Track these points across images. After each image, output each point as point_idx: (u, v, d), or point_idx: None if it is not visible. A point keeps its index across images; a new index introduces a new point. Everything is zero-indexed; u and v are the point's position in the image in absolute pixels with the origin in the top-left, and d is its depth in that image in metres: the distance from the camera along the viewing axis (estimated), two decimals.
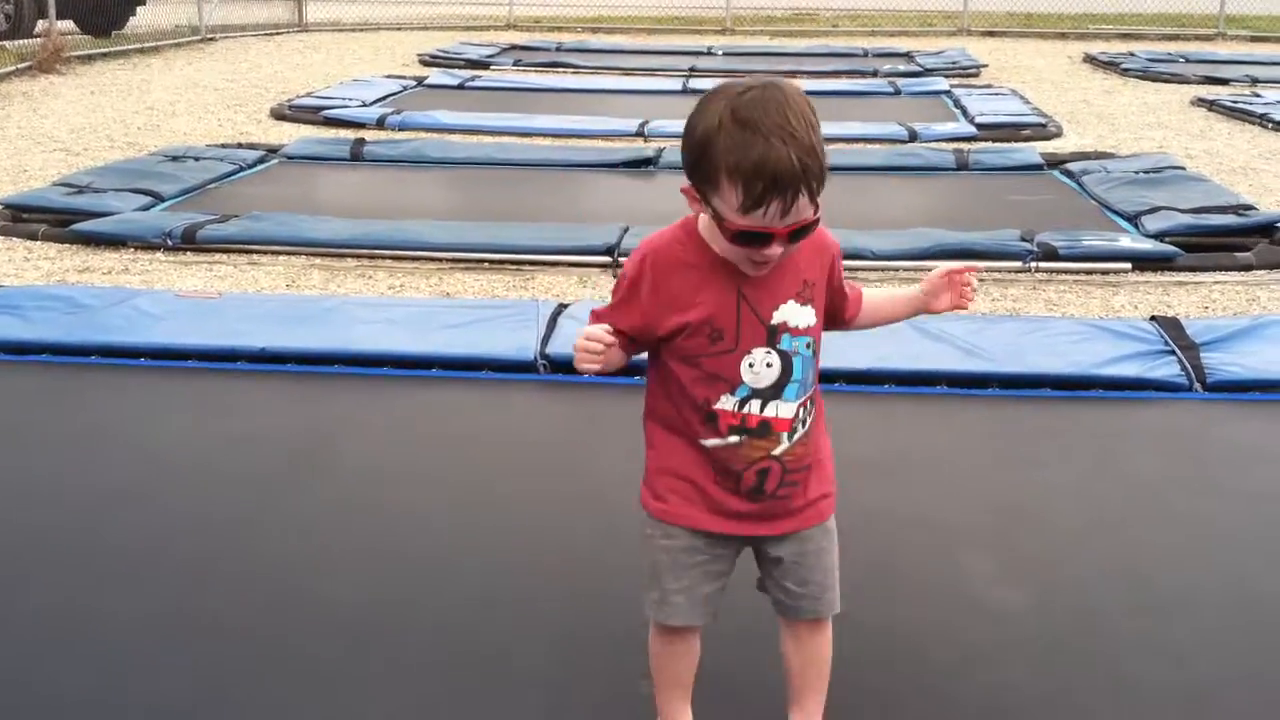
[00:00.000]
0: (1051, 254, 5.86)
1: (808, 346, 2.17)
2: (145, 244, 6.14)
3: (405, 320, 4.84)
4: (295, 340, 4.60)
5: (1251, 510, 3.49)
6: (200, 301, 5.04)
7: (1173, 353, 4.47)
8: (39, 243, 6.27)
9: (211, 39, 16.68)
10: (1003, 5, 20.50)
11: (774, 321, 2.14)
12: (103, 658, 2.71)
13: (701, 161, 2.02)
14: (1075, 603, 2.99)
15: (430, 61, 14.76)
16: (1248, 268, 5.92)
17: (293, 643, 2.79)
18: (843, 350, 4.33)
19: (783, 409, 2.16)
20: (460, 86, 12.50)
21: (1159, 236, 6.20)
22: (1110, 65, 14.55)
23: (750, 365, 2.14)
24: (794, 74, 13.82)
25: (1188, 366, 4.37)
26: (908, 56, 15.43)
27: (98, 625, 2.84)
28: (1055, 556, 3.22)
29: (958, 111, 10.92)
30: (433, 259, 6.01)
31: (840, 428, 3.91)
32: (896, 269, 5.83)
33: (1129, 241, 6.12)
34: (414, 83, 12.47)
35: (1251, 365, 4.38)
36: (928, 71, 13.91)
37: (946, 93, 12.09)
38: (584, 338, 2.14)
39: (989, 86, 12.66)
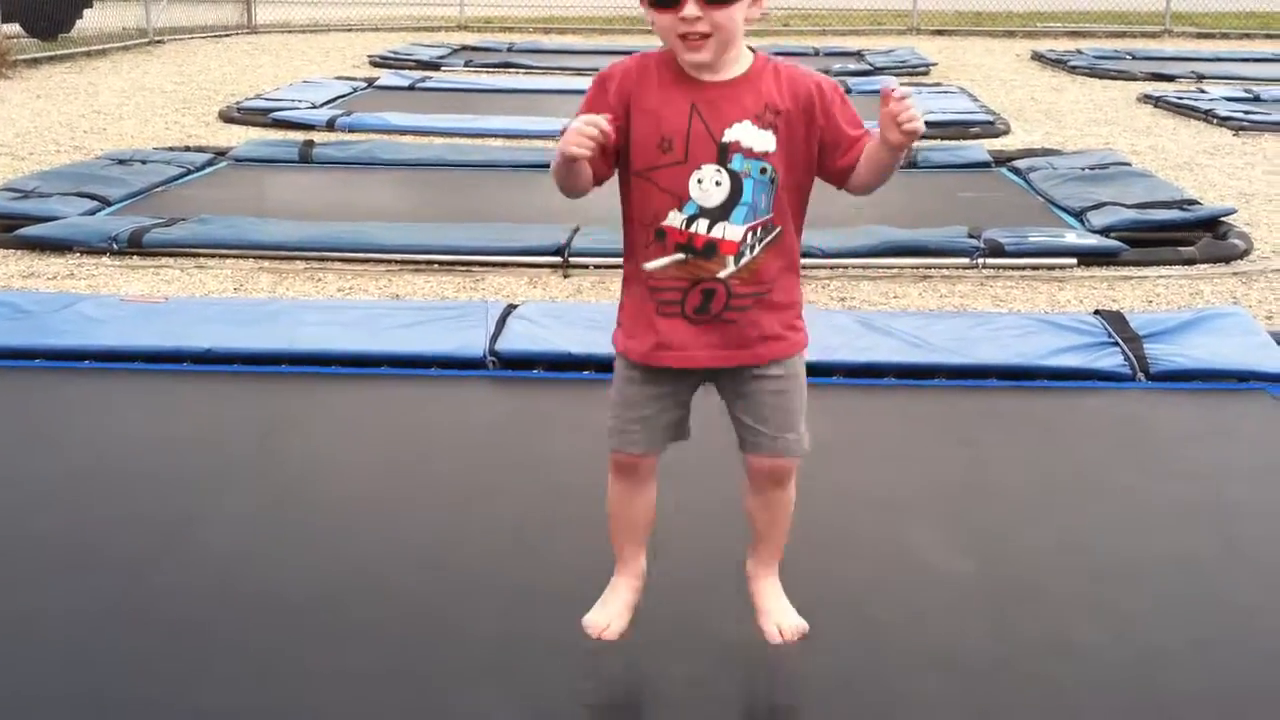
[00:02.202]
0: (998, 250, 5.91)
1: (763, 171, 2.18)
2: (91, 249, 6.08)
3: (354, 321, 4.83)
4: (242, 341, 4.57)
5: (1190, 487, 3.57)
6: (146, 306, 5.00)
7: (1116, 344, 4.53)
8: None
9: (159, 42, 16.54)
10: (952, 4, 20.62)
11: (725, 139, 2.16)
12: (44, 653, 2.70)
13: None
14: (1020, 573, 3.08)
15: (381, 63, 14.69)
16: (1191, 262, 5.99)
17: (236, 638, 2.78)
18: None
19: (730, 231, 2.17)
20: (411, 88, 12.45)
21: (1104, 232, 6.27)
22: (1058, 63, 14.66)
23: (699, 181, 2.16)
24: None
25: (1131, 357, 4.42)
26: (858, 55, 15.49)
27: (39, 622, 2.83)
28: (1001, 531, 3.30)
29: None
30: (382, 261, 5.99)
31: None
32: (846, 266, 5.86)
33: (1074, 237, 6.18)
34: (364, 84, 12.42)
35: (1194, 355, 4.44)
36: (877, 70, 13.96)
37: None
38: (581, 120, 2.14)
39: (938, 85, 12.74)
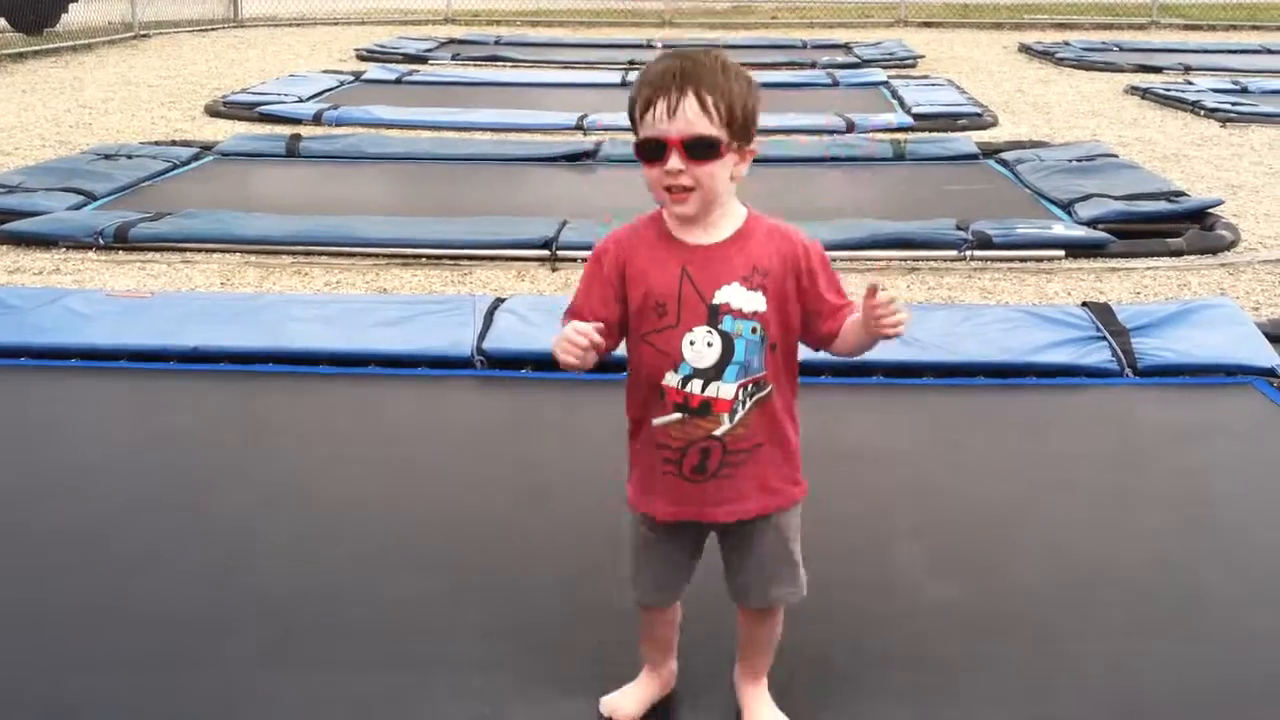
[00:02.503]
0: (986, 242, 5.91)
1: (754, 331, 2.20)
2: (77, 243, 6.06)
3: (340, 317, 4.81)
4: (228, 339, 4.56)
5: (1179, 486, 3.58)
6: (131, 301, 4.98)
7: (1104, 338, 4.52)
8: None
9: (145, 35, 16.48)
10: None
11: (715, 301, 2.19)
12: (32, 649, 2.70)
13: (629, 112, 2.18)
14: (1007, 575, 3.07)
15: (367, 56, 14.66)
16: (1178, 253, 6.00)
17: (223, 635, 2.78)
18: None
19: (723, 390, 2.21)
20: (398, 81, 12.42)
21: (1092, 224, 6.27)
22: (1045, 55, 14.67)
23: (691, 343, 2.20)
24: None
25: (1119, 352, 4.42)
26: (846, 48, 15.49)
27: (28, 618, 2.83)
28: (987, 532, 3.29)
29: (895, 102, 10.97)
30: (370, 255, 5.98)
31: None
32: (834, 259, 5.82)
33: (1062, 229, 6.18)
34: (351, 78, 12.39)
35: (1181, 349, 4.43)
36: (865, 63, 13.97)
37: (884, 84, 12.15)
38: (571, 330, 2.18)
39: (926, 77, 12.74)
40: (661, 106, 2.11)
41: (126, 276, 5.66)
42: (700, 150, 2.14)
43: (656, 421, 2.26)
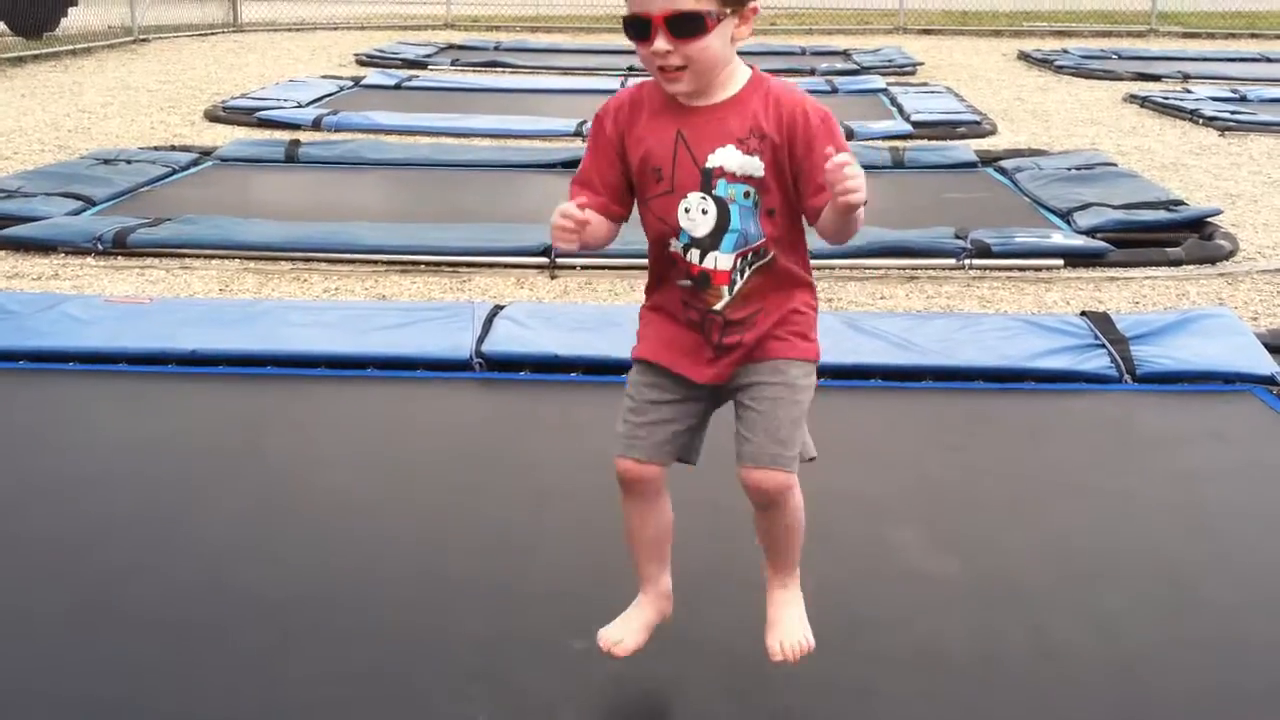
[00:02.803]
0: (985, 251, 5.91)
1: (747, 195, 2.14)
2: (76, 249, 6.06)
3: (339, 322, 4.81)
4: (227, 342, 4.55)
5: (1176, 490, 3.59)
6: (130, 307, 4.98)
7: (1103, 346, 4.53)
8: None
9: (144, 40, 16.49)
10: (938, 4, 20.65)
11: (709, 165, 2.13)
12: (29, 653, 2.70)
13: None
14: (1004, 575, 3.08)
15: (367, 61, 14.67)
16: (1178, 263, 6.00)
17: (221, 639, 2.78)
18: None
19: (721, 260, 2.16)
20: (397, 87, 12.43)
21: (1090, 233, 6.27)
22: (1044, 62, 14.69)
23: (686, 210, 2.15)
24: None
25: (1117, 359, 4.43)
26: (845, 55, 15.52)
27: (24, 623, 2.83)
28: (986, 534, 3.30)
29: (894, 110, 10.99)
30: (369, 261, 5.98)
31: None
32: (833, 267, 5.86)
33: (1061, 238, 6.18)
34: (350, 83, 12.39)
35: (1180, 357, 4.44)
36: (864, 70, 13.99)
37: (883, 91, 12.16)
38: (558, 213, 2.14)
39: (925, 85, 12.75)
40: None
41: (125, 282, 5.66)
42: (685, 27, 2.05)
43: (681, 283, 2.21)
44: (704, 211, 2.14)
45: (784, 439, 2.25)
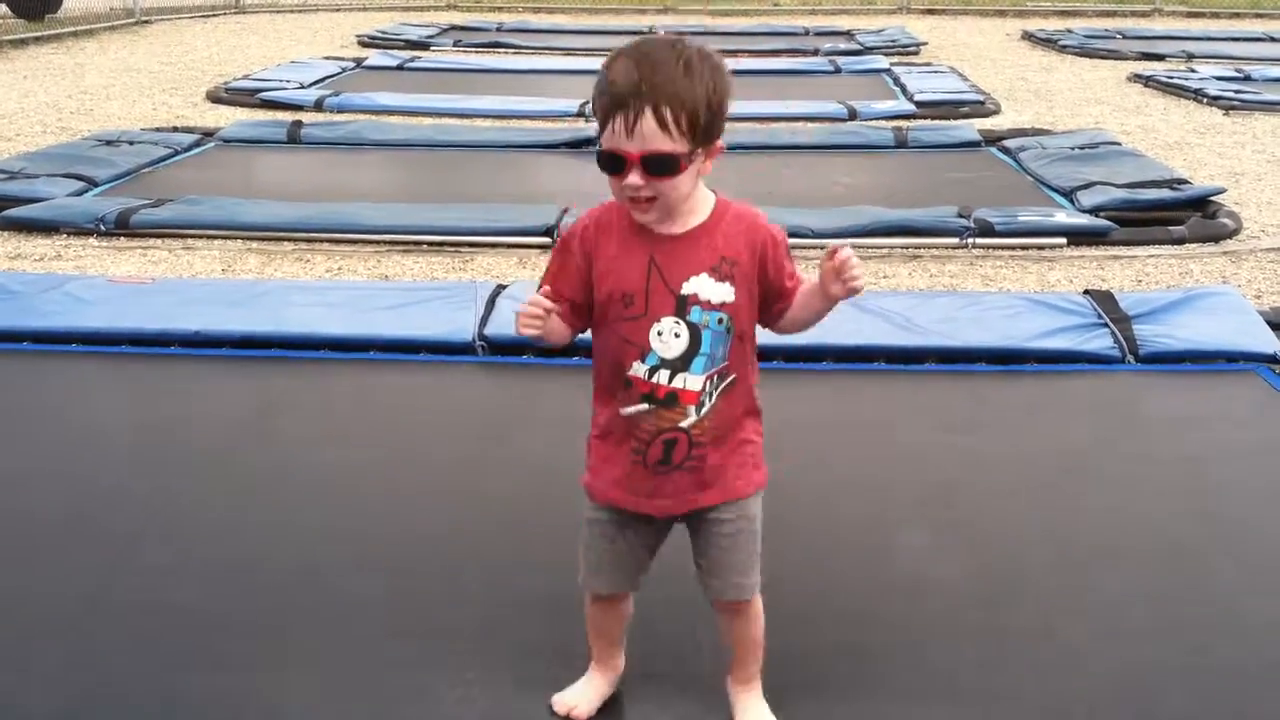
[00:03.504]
0: (988, 230, 5.90)
1: (720, 322, 2.20)
2: (78, 230, 6.06)
3: (342, 303, 4.81)
4: (230, 323, 4.55)
5: (1180, 472, 3.58)
6: (133, 287, 4.98)
7: (1106, 325, 4.52)
8: None
9: (146, 21, 16.45)
10: None
11: (684, 292, 2.19)
12: (31, 631, 2.72)
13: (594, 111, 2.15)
14: (1007, 560, 3.08)
15: (369, 43, 14.64)
16: (1181, 241, 6.00)
17: (222, 618, 2.79)
18: None
19: (690, 381, 2.21)
20: (399, 68, 12.41)
21: (1094, 211, 6.26)
22: (1048, 42, 14.65)
23: (659, 334, 2.19)
24: (735, 53, 13.80)
25: (1120, 339, 4.42)
26: (848, 35, 15.46)
27: (26, 601, 2.84)
28: (988, 517, 3.30)
29: (897, 89, 10.96)
30: (371, 242, 5.98)
31: (779, 402, 3.95)
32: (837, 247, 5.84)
33: (1064, 217, 6.18)
34: (353, 64, 12.37)
35: (1183, 337, 4.43)
36: (868, 50, 13.95)
37: (886, 71, 12.14)
38: (527, 302, 2.19)
39: (928, 64, 12.72)
40: (620, 122, 2.07)
41: (128, 263, 5.66)
42: (660, 166, 2.10)
43: (624, 411, 2.25)
44: (676, 335, 2.20)
45: (748, 570, 2.36)
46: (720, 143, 2.18)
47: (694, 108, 2.08)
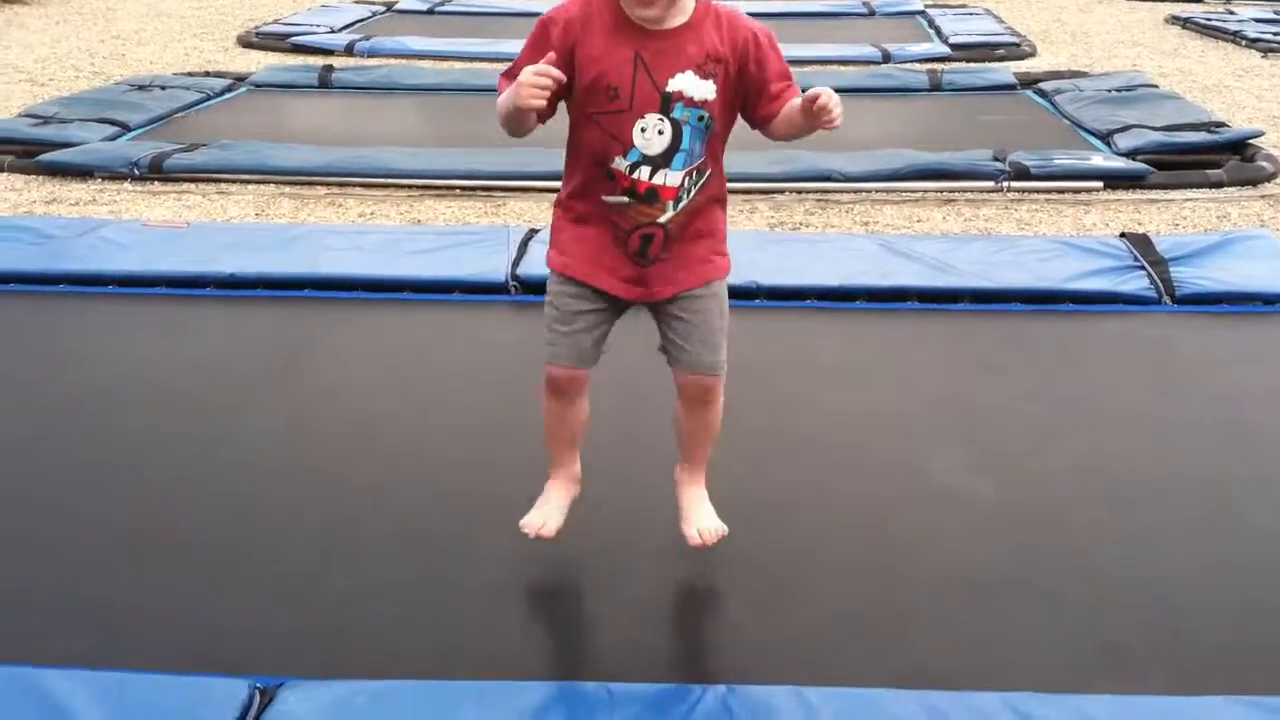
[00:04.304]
0: (1023, 173, 5.86)
1: (700, 119, 2.28)
2: (112, 174, 6.08)
3: (375, 247, 4.82)
4: (264, 265, 4.57)
5: (1215, 410, 3.57)
6: (168, 231, 5.00)
7: (1142, 268, 4.49)
8: (5, 174, 6.20)
9: None
10: None
11: (669, 89, 2.26)
12: (68, 568, 2.76)
13: None
14: (1041, 494, 3.09)
15: None
16: (1219, 185, 5.93)
17: (257, 555, 2.83)
18: (809, 267, 4.40)
19: (670, 177, 2.30)
20: (430, 11, 12.35)
21: (1131, 155, 6.20)
22: None
23: (642, 130, 2.27)
24: (768, 15, 13.68)
25: (1156, 280, 4.39)
26: None
27: (63, 539, 2.88)
28: (1022, 452, 3.31)
29: (931, 32, 10.85)
30: (403, 186, 5.98)
31: (812, 341, 3.97)
32: (870, 190, 5.82)
33: (1100, 160, 6.12)
34: (383, 8, 12.32)
35: (1220, 279, 4.40)
36: None
37: (920, 13, 12.01)
38: (532, 72, 2.22)
39: (963, 6, 12.58)
40: None
41: (162, 207, 5.69)
42: None
43: (609, 199, 2.33)
44: (660, 132, 2.26)
45: (717, 345, 2.46)
46: None
47: None
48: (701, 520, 2.60)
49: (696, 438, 2.60)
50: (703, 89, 2.27)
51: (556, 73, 2.22)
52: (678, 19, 2.29)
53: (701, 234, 2.40)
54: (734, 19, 2.33)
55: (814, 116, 2.27)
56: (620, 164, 2.29)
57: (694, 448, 2.62)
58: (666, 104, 2.26)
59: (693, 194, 2.33)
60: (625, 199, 2.32)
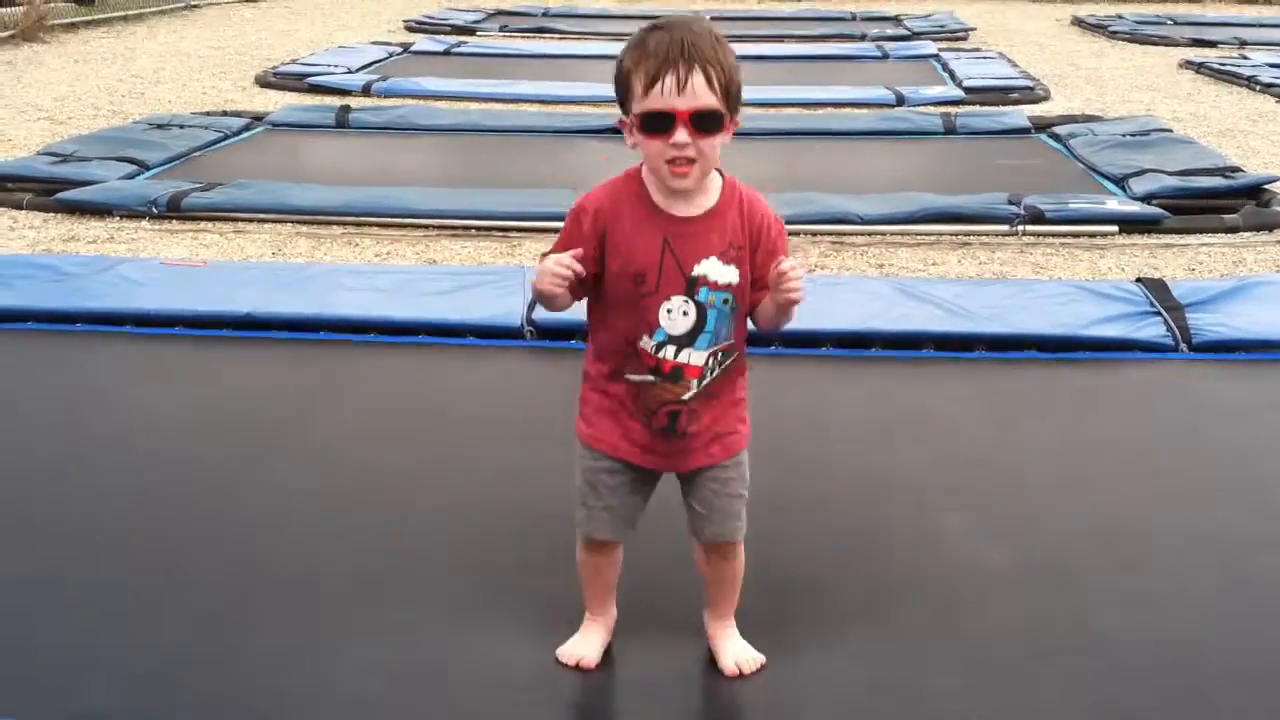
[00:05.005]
0: (1038, 217, 5.86)
1: (725, 302, 2.33)
2: (130, 212, 6.11)
3: (391, 287, 4.83)
4: (281, 306, 4.59)
5: (1234, 464, 3.53)
6: (186, 269, 5.02)
7: (1159, 313, 4.48)
8: (24, 212, 6.24)
9: (196, 6, 16.56)
10: None
11: (694, 273, 2.31)
12: (83, 617, 2.72)
13: (619, 81, 2.28)
14: (1055, 556, 3.03)
15: (416, 28, 14.69)
16: (1234, 230, 5.93)
17: (273, 604, 2.80)
18: (829, 312, 4.38)
19: (694, 357, 2.33)
20: (446, 53, 12.44)
21: (1146, 199, 6.20)
22: (1098, 28, 14.52)
23: (668, 312, 2.31)
24: (781, 38, 13.76)
25: (1173, 327, 4.38)
26: (896, 20, 15.38)
27: (76, 585, 2.85)
28: (1037, 511, 3.26)
29: (945, 75, 10.90)
30: (419, 226, 6.00)
31: (827, 389, 3.95)
32: (884, 233, 5.83)
33: (1116, 204, 6.12)
34: (400, 49, 12.41)
35: (1237, 325, 4.39)
36: (915, 35, 13.88)
37: (934, 56, 12.07)
38: (553, 260, 2.27)
39: (977, 50, 12.63)
40: (670, 80, 2.18)
41: (179, 246, 5.71)
42: (707, 123, 2.22)
43: (631, 377, 2.36)
44: (685, 313, 2.31)
45: (737, 513, 2.50)
46: (738, 118, 2.31)
47: (730, 74, 2.23)
48: (738, 653, 2.59)
49: (721, 588, 2.61)
50: (727, 274, 2.32)
51: (578, 266, 2.27)
52: (704, 203, 2.33)
53: (725, 405, 2.42)
54: (754, 205, 2.36)
55: (777, 283, 2.29)
56: (646, 344, 2.33)
57: (720, 596, 2.63)
58: (691, 287, 2.30)
59: (717, 373, 2.37)
60: (650, 378, 2.35)
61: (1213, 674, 2.58)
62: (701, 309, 2.31)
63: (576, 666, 2.58)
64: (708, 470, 2.46)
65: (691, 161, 2.24)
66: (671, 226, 2.31)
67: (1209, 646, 2.67)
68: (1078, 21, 15.33)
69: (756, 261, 2.35)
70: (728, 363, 2.37)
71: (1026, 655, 2.64)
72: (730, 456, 2.46)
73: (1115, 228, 5.88)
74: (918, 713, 2.47)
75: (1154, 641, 2.69)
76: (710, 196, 2.34)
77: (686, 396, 2.35)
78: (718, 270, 2.31)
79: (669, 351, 2.32)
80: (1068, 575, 2.95)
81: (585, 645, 2.61)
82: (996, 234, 5.83)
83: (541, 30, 14.57)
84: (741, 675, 2.56)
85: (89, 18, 14.67)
